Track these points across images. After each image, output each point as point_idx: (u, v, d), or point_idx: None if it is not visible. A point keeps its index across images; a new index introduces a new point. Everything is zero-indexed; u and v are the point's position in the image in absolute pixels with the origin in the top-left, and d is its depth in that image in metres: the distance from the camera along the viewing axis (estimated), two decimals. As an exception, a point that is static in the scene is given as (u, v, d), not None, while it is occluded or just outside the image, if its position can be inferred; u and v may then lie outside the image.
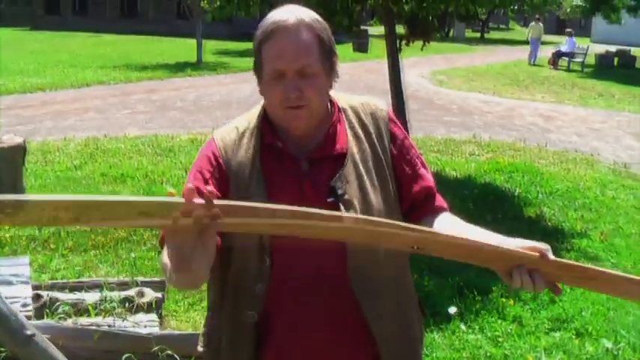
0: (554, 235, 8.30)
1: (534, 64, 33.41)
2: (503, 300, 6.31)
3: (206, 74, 25.08)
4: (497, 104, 20.39)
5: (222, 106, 17.28)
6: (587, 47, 34.78)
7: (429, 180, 2.54)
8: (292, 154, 2.41)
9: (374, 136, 2.48)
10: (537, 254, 2.15)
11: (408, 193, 2.48)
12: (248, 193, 2.37)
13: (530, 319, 6.08)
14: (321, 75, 2.34)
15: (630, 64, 36.06)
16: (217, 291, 2.50)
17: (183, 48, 33.82)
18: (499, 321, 6.01)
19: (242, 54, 33.53)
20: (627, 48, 38.89)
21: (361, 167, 2.42)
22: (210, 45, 33.96)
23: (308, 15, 2.36)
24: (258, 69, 2.37)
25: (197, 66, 27.41)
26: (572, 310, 6.24)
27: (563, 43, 35.38)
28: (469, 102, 20.47)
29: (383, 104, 2.59)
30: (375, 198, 2.40)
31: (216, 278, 2.47)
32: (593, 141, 15.10)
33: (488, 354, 5.46)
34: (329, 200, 2.34)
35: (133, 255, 7.16)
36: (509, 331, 5.85)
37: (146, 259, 7.08)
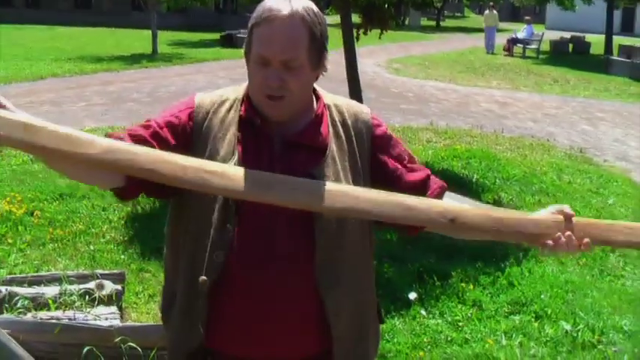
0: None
1: (492, 53, 33.48)
2: (463, 285, 6.36)
3: (162, 65, 24.91)
4: (453, 91, 20.49)
5: (179, 97, 17.02)
6: (542, 34, 35.07)
7: (421, 171, 2.56)
8: (268, 132, 2.41)
9: (355, 138, 2.47)
10: (562, 217, 2.35)
11: (402, 188, 2.43)
12: (217, 159, 2.38)
13: (490, 303, 6.13)
14: (306, 68, 2.35)
15: (584, 50, 36.39)
16: (174, 255, 2.53)
17: (138, 39, 33.56)
18: (459, 306, 6.05)
19: (197, 45, 33.40)
20: (581, 34, 39.25)
21: (339, 165, 2.41)
22: (165, 36, 33.76)
23: (304, 6, 2.34)
24: (247, 50, 2.38)
25: (152, 57, 27.19)
26: (531, 293, 6.30)
27: (520, 30, 35.58)
28: (425, 90, 20.54)
29: (366, 108, 2.60)
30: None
31: (174, 241, 2.52)
32: (549, 126, 15.23)
33: (448, 338, 5.50)
34: None
35: (91, 248, 7.11)
36: (469, 315, 5.89)
37: (105, 252, 7.03)
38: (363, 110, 2.56)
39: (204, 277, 2.38)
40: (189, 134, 2.44)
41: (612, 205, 9.43)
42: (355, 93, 10.44)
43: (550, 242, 2.31)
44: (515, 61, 30.96)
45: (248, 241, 2.36)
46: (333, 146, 2.42)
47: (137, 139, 2.36)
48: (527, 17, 37.07)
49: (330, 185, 2.31)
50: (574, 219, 2.35)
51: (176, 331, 2.55)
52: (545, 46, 35.27)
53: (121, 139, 2.34)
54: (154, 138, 2.39)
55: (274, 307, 2.36)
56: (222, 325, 2.44)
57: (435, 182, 2.54)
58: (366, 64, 24.20)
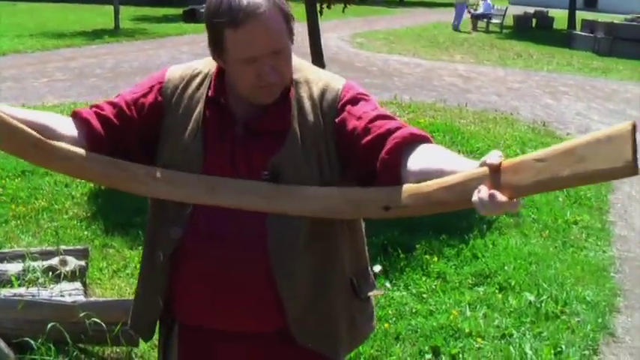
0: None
1: (458, 30, 33.31)
2: (427, 257, 6.38)
3: (124, 41, 24.67)
4: (416, 66, 20.48)
5: (142, 72, 17.01)
6: (506, 8, 35.13)
7: (382, 127, 2.28)
8: (232, 113, 2.40)
9: (321, 110, 2.39)
10: (484, 169, 1.93)
11: (360, 150, 2.30)
12: (182, 140, 2.39)
13: (454, 275, 6.17)
14: (289, 47, 2.32)
15: (547, 25, 36.49)
16: (146, 231, 2.59)
17: (100, 15, 33.19)
18: (423, 278, 6.08)
19: (160, 20, 33.11)
20: (544, 9, 39.35)
21: (300, 144, 2.35)
22: (128, 11, 33.49)
23: None
24: (219, 49, 2.30)
25: (115, 32, 26.91)
26: (495, 265, 6.34)
27: (478, 5, 35.51)
28: (389, 64, 20.52)
29: (341, 79, 2.49)
30: (311, 175, 2.35)
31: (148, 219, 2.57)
32: (513, 100, 15.29)
33: (413, 310, 5.53)
34: (264, 175, 2.34)
35: (54, 224, 7.06)
36: (433, 287, 5.92)
37: (68, 228, 6.98)
38: (336, 81, 2.46)
39: (159, 252, 2.43)
40: (159, 109, 2.44)
41: (575, 178, 9.47)
42: (318, 66, 10.39)
43: (476, 201, 1.90)
44: (479, 36, 31.01)
45: (205, 218, 2.37)
46: (295, 126, 2.36)
47: (102, 119, 2.38)
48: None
49: (278, 188, 2.31)
50: (504, 165, 1.90)
51: (136, 302, 2.66)
52: (509, 21, 35.32)
53: (86, 119, 2.36)
54: (118, 117, 2.40)
55: (229, 282, 2.37)
56: (181, 297, 2.47)
57: (394, 138, 2.22)
58: (330, 38, 24.13)
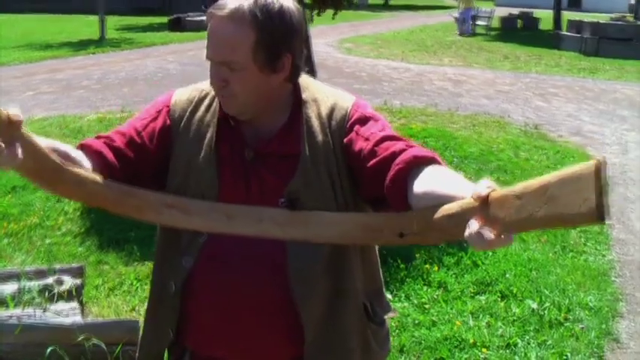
0: (472, 199, 8.34)
1: (469, 34, 32.90)
2: (427, 266, 6.32)
3: (110, 51, 24.56)
4: (405, 70, 20.45)
5: (129, 82, 16.95)
6: (492, 11, 35.17)
7: (388, 149, 2.19)
8: (242, 135, 2.34)
9: (330, 130, 2.32)
10: (474, 201, 1.76)
11: (367, 173, 2.23)
12: (194, 165, 2.33)
13: (455, 284, 6.11)
14: (250, 70, 2.21)
15: (533, 26, 36.61)
16: (155, 258, 2.51)
17: (84, 25, 33.09)
18: (424, 288, 6.02)
19: (145, 29, 33.04)
20: (530, 10, 39.46)
21: (312, 168, 2.29)
22: (113, 21, 33.33)
23: (257, 3, 2.20)
24: None
25: (100, 43, 26.80)
26: (495, 272, 6.29)
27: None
28: (378, 69, 20.48)
29: (350, 97, 2.42)
30: (326, 198, 2.29)
31: (157, 245, 2.49)
32: (503, 103, 15.26)
33: (416, 321, 5.46)
34: (281, 202, 2.26)
35: (47, 241, 6.96)
36: (435, 297, 5.86)
37: (62, 245, 6.89)
38: (345, 99, 2.40)
39: (170, 282, 2.37)
40: (168, 134, 2.37)
41: (570, 181, 9.43)
42: (309, 74, 10.35)
43: (467, 237, 1.75)
44: (466, 39, 31.03)
45: (218, 246, 2.31)
46: (306, 149, 2.29)
47: (115, 151, 2.29)
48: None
49: (294, 215, 2.24)
50: (491, 198, 1.72)
51: (145, 331, 2.57)
52: (495, 23, 35.38)
53: (98, 151, 2.27)
54: (130, 147, 2.32)
55: (244, 310, 2.31)
56: (194, 327, 2.41)
57: (397, 164, 2.11)
58: (318, 44, 24.07)
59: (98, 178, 2.19)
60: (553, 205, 1.58)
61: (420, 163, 2.08)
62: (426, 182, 2.01)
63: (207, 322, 2.37)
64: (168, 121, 2.37)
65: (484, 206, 1.72)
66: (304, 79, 2.40)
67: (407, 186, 2.06)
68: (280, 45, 2.22)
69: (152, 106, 2.45)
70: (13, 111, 1.81)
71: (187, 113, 2.38)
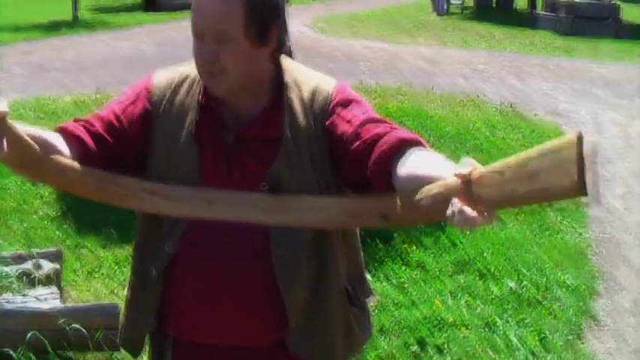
0: (449, 179, 8.36)
1: (444, 14, 32.87)
2: (406, 246, 6.34)
3: (83, 32, 24.30)
4: (380, 50, 20.38)
5: (104, 64, 16.81)
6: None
7: (371, 132, 2.18)
8: (223, 119, 2.32)
9: (311, 112, 2.31)
10: (456, 181, 1.73)
11: (350, 156, 2.22)
12: (175, 150, 2.30)
13: (434, 263, 6.14)
14: (241, 42, 2.19)
15: (508, 5, 36.53)
16: (135, 243, 2.51)
17: (56, 5, 32.59)
18: (403, 267, 6.04)
19: (118, 10, 32.74)
20: (504, -11, 39.41)
21: (294, 151, 2.27)
22: (85, 1, 33.01)
23: None
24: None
25: (73, 24, 26.50)
26: (474, 252, 6.32)
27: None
28: (353, 48, 20.41)
29: (332, 80, 2.41)
30: (309, 183, 2.28)
31: (138, 230, 2.47)
32: (478, 82, 15.26)
33: (395, 301, 5.49)
34: (263, 186, 2.26)
35: (25, 225, 6.91)
36: (414, 277, 5.89)
37: (39, 229, 6.84)
38: (327, 82, 2.38)
39: (151, 267, 2.34)
40: (148, 117, 2.33)
41: (546, 160, 9.48)
42: (287, 55, 10.30)
43: (449, 215, 1.73)
44: (441, 18, 30.98)
45: (200, 232, 2.30)
46: (288, 132, 2.28)
47: (94, 136, 2.26)
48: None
49: (276, 200, 2.25)
50: (474, 176, 1.69)
51: (126, 317, 2.55)
52: (469, 2, 35.36)
53: (77, 136, 2.24)
54: (110, 133, 2.29)
55: (227, 296, 2.30)
56: (176, 313, 2.39)
57: (381, 146, 2.10)
58: (292, 24, 23.54)
59: (79, 166, 2.17)
60: (535, 180, 1.57)
61: (404, 146, 2.06)
62: (410, 164, 2.00)
63: (190, 307, 2.35)
64: (147, 105, 2.34)
65: (466, 185, 1.70)
66: (286, 62, 2.38)
67: (391, 168, 2.05)
68: (268, 17, 2.22)
69: (131, 89, 2.42)
70: (1, 103, 1.81)
71: (167, 96, 2.35)
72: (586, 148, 1.47)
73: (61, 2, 31.54)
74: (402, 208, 2.05)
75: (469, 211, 1.68)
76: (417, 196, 1.92)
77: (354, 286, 2.53)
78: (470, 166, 1.70)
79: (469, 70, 17.07)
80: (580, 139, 1.47)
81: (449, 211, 1.73)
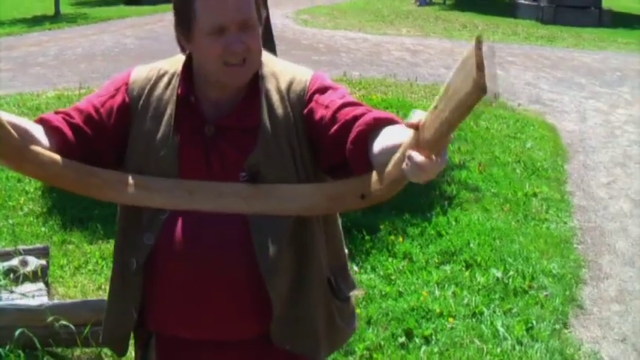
0: (433, 169, 8.38)
1: (427, 4, 32.85)
2: (392, 237, 6.36)
3: (66, 27, 24.17)
4: (363, 41, 20.39)
5: (86, 58, 16.76)
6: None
7: (348, 114, 2.23)
8: (203, 112, 2.33)
9: (289, 101, 2.35)
10: (410, 134, 1.81)
11: (329, 140, 2.27)
12: (154, 144, 2.32)
13: (420, 254, 6.15)
14: (258, 26, 2.27)
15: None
16: (116, 237, 2.51)
17: (38, 0, 32.59)
18: (390, 259, 6.05)
19: (100, 3, 32.57)
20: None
21: (272, 140, 2.31)
22: (68, -4, 32.91)
23: None
24: (186, 25, 2.27)
25: (55, 19, 26.37)
26: (460, 242, 6.34)
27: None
28: (336, 40, 20.41)
29: (308, 71, 2.45)
30: (288, 171, 2.32)
31: (118, 223, 2.49)
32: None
33: (382, 293, 5.50)
34: (242, 176, 2.29)
35: (10, 222, 6.88)
36: (400, 268, 5.90)
37: (25, 225, 6.81)
38: (304, 72, 2.43)
39: (132, 259, 2.35)
40: (127, 111, 2.36)
41: (530, 149, 9.54)
42: (269, 47, 10.29)
43: (405, 169, 1.81)
44: (423, 8, 30.97)
45: (180, 223, 2.31)
46: (266, 122, 2.31)
47: (73, 127, 2.29)
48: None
49: (256, 188, 2.28)
50: (421, 124, 1.75)
51: (108, 314, 2.54)
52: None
53: (57, 127, 2.26)
54: (88, 125, 2.31)
55: (209, 288, 2.31)
56: (157, 306, 2.39)
57: (357, 126, 2.16)
58: (275, 16, 23.86)
59: (58, 157, 2.20)
60: (453, 97, 1.61)
61: (380, 125, 2.12)
62: (382, 139, 2.07)
63: (171, 300, 2.36)
64: (127, 99, 2.37)
65: (416, 134, 1.76)
66: (263, 55, 2.40)
67: (368, 147, 2.11)
68: (263, 2, 2.33)
69: (110, 83, 2.44)
70: None
71: (146, 91, 2.38)
72: (485, 49, 1.54)
73: (44, -3, 31.38)
74: (380, 182, 2.09)
75: (417, 156, 1.74)
76: (387, 167, 1.99)
77: (337, 277, 2.55)
78: (418, 116, 1.76)
79: (452, 60, 17.04)
80: (478, 42, 1.53)
81: (404, 165, 1.80)
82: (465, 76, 1.55)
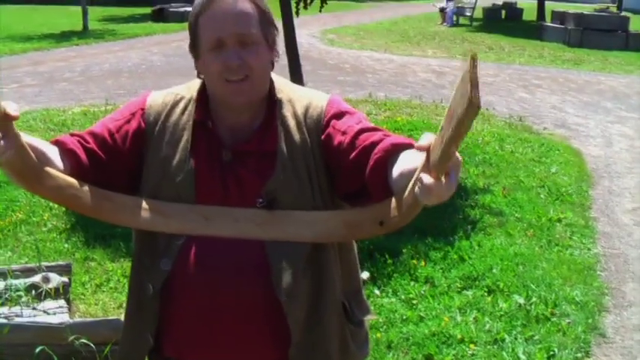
0: (457, 193, 8.34)
1: (453, 25, 32.85)
2: (414, 261, 6.33)
3: (93, 42, 24.41)
4: (389, 61, 20.44)
5: (113, 75, 16.88)
6: (475, 1, 35.11)
7: (368, 139, 2.22)
8: (219, 138, 2.33)
9: (305, 127, 2.34)
10: (422, 155, 1.77)
11: (347, 166, 2.25)
12: (170, 169, 2.32)
13: (442, 278, 6.11)
14: (262, 45, 2.27)
15: (517, 17, 36.62)
16: (132, 261, 2.50)
17: (66, 16, 32.84)
18: (412, 283, 6.02)
19: (128, 20, 32.83)
20: (513, 0, 39.43)
21: (290, 166, 2.30)
22: (95, 12, 33.11)
23: None
24: (194, 44, 2.30)
25: (83, 34, 26.64)
26: (482, 267, 6.30)
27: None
28: (361, 60, 20.47)
29: (325, 96, 2.44)
30: (305, 197, 2.31)
31: (134, 248, 2.48)
32: (487, 95, 15.25)
33: (404, 317, 5.47)
34: (259, 202, 2.28)
35: (33, 237, 6.91)
36: (422, 292, 5.86)
37: (48, 241, 6.84)
38: (320, 97, 2.42)
39: (148, 285, 2.34)
40: (142, 137, 2.36)
41: (555, 174, 9.49)
42: (295, 66, 10.34)
43: (417, 193, 1.78)
44: (449, 29, 31.00)
45: (197, 248, 2.30)
46: (283, 147, 2.31)
47: (88, 151, 2.29)
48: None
49: (273, 214, 2.27)
50: (431, 146, 1.72)
51: (124, 338, 2.53)
52: (478, 14, 35.37)
53: (72, 150, 2.26)
54: (102, 149, 2.32)
55: (226, 314, 2.30)
56: (174, 332, 2.38)
57: (376, 154, 2.14)
58: (301, 35, 23.89)
59: (74, 181, 2.20)
60: (453, 116, 1.60)
61: (398, 150, 2.10)
62: (401, 164, 2.05)
63: (188, 326, 2.35)
64: (142, 124, 2.36)
65: (427, 157, 1.74)
66: (278, 81, 2.42)
67: (387, 173, 2.10)
68: (272, 20, 2.32)
69: (126, 107, 2.44)
70: (12, 106, 1.83)
71: (162, 117, 2.37)
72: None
73: (72, 13, 31.67)
74: (398, 209, 2.08)
75: (426, 178, 1.72)
76: (405, 193, 1.97)
77: (351, 302, 2.54)
78: (428, 138, 1.73)
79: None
80: (473, 60, 1.53)
81: (415, 188, 1.78)
82: (462, 94, 1.55)
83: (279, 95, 2.38)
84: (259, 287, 2.28)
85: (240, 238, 2.26)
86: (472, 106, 1.52)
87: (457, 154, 1.67)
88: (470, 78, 1.52)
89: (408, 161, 2.00)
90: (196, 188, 2.30)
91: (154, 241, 2.34)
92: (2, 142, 1.85)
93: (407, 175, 1.94)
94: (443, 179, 1.70)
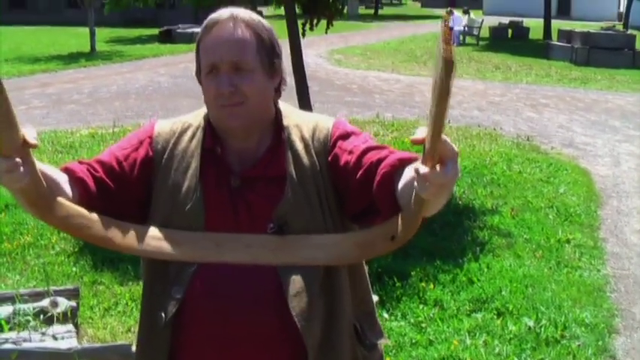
0: (465, 214, 8.36)
1: (460, 44, 33.01)
2: (423, 284, 6.30)
3: (101, 64, 24.54)
4: (396, 82, 20.47)
5: (121, 96, 16.93)
6: (482, 20, 35.18)
7: (374, 156, 2.22)
8: (228, 164, 2.33)
9: (314, 152, 2.34)
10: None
11: (355, 185, 2.26)
12: (179, 197, 2.31)
13: (451, 301, 6.09)
14: (258, 72, 2.27)
15: (523, 36, 36.71)
16: (143, 289, 2.49)
17: (74, 37, 33.04)
18: (420, 306, 6.00)
19: (135, 41, 33.00)
20: (519, 19, 39.53)
21: (299, 189, 2.29)
22: (103, 33, 33.28)
23: (247, 13, 2.30)
24: (198, 68, 2.32)
25: (91, 56, 26.79)
26: (491, 289, 6.27)
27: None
28: (369, 81, 20.51)
29: (331, 119, 2.45)
30: (315, 220, 2.30)
31: (143, 275, 2.46)
32: (495, 115, 15.28)
33: (413, 341, 5.44)
34: (270, 227, 2.27)
35: (42, 261, 6.91)
36: (431, 315, 5.84)
37: (56, 265, 6.84)
38: (326, 120, 2.43)
39: (160, 313, 2.32)
40: (150, 165, 2.35)
41: (563, 194, 9.47)
42: (302, 87, 10.35)
43: (415, 186, 1.80)
44: (456, 49, 30.90)
45: (209, 276, 2.29)
46: (292, 171, 2.31)
47: (96, 180, 2.29)
48: (465, 8, 36.74)
49: (284, 239, 2.26)
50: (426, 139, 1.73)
51: None
52: (485, 32, 35.42)
53: (81, 179, 2.26)
54: (111, 178, 2.31)
55: (240, 341, 2.28)
56: (186, 358, 2.36)
57: (382, 169, 2.15)
58: (308, 55, 24.03)
59: (84, 211, 2.20)
60: (435, 89, 1.61)
61: (404, 165, 2.10)
62: (404, 178, 2.05)
63: (202, 354, 2.33)
64: (150, 152, 2.36)
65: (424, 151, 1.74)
66: (285, 108, 2.42)
67: (394, 187, 2.10)
68: (272, 49, 2.32)
69: (134, 135, 2.44)
70: (31, 134, 1.85)
71: (170, 144, 2.37)
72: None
73: (80, 34, 31.82)
74: (406, 220, 2.08)
75: (421, 168, 1.72)
76: (411, 203, 1.96)
77: (362, 324, 2.51)
78: (422, 132, 1.75)
79: (485, 102, 17.09)
80: (444, 20, 1.57)
81: (415, 183, 1.79)
82: (438, 60, 1.57)
83: (286, 121, 2.38)
84: (274, 313, 2.26)
85: (253, 264, 2.25)
86: (446, 63, 1.53)
87: (452, 144, 1.68)
88: (442, 37, 1.55)
89: (411, 172, 1.99)
90: (206, 215, 2.29)
91: (165, 269, 2.33)
92: (21, 168, 1.85)
93: (411, 185, 1.93)
94: (438, 168, 1.70)
